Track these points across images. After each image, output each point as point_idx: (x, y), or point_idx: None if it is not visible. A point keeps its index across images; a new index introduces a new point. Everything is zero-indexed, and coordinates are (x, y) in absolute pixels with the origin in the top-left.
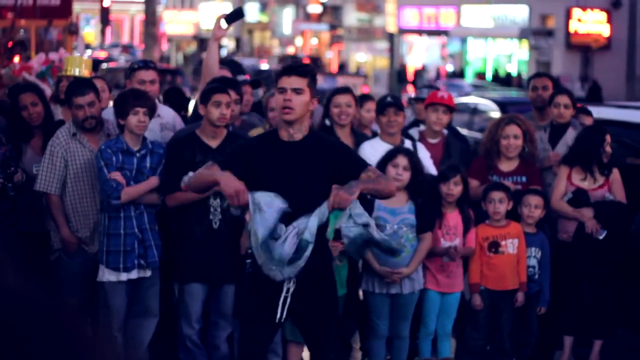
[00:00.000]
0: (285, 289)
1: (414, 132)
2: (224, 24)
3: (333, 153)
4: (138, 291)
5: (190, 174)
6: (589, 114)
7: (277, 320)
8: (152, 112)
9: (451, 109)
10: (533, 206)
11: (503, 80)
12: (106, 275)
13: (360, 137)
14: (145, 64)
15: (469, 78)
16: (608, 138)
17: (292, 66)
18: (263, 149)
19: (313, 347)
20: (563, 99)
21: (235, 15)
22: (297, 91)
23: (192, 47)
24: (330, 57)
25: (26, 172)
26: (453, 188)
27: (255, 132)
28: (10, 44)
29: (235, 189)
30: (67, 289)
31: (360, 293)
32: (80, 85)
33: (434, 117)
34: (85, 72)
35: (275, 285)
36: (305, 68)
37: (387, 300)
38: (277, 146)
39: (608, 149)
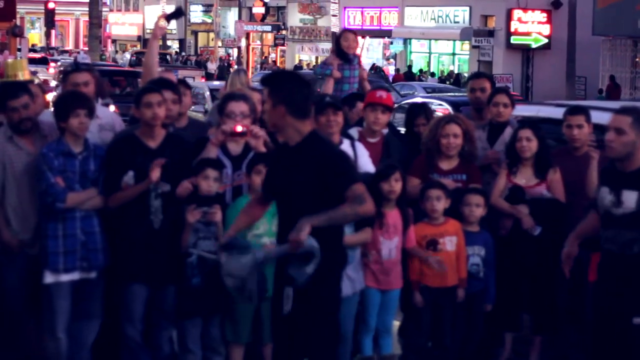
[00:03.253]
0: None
1: (353, 131)
2: (164, 22)
3: (321, 163)
4: (82, 293)
5: (130, 173)
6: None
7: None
8: (91, 113)
9: (390, 108)
10: (474, 205)
11: (447, 80)
12: (48, 277)
13: None
14: (77, 67)
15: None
16: (522, 133)
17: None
18: (275, 154)
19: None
20: (502, 98)
21: (176, 14)
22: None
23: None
24: (273, 58)
25: None
26: (394, 185)
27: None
28: None
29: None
30: (9, 291)
31: None
32: (14, 88)
33: (372, 116)
34: (27, 75)
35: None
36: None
37: None
38: (281, 151)
39: (524, 143)
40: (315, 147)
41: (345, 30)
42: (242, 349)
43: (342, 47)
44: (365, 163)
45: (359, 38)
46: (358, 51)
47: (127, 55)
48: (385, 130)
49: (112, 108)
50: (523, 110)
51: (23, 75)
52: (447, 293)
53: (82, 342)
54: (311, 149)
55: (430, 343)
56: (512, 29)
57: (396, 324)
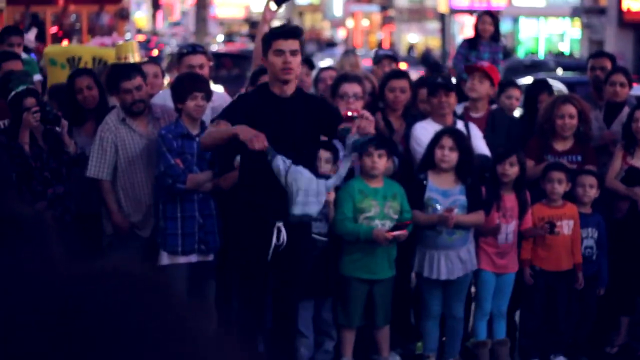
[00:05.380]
0: (275, 230)
1: (459, 107)
2: (273, 6)
3: (316, 109)
4: (198, 277)
5: None
6: None
7: (267, 260)
8: (209, 97)
9: (489, 77)
10: (587, 186)
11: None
12: (164, 258)
13: (411, 118)
14: (193, 49)
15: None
16: (639, 114)
17: (288, 29)
18: (258, 103)
19: (279, 298)
20: (619, 78)
21: None
22: (294, 53)
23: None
24: (382, 38)
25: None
26: (508, 169)
27: None
28: (57, 30)
29: (254, 133)
30: None
31: (413, 275)
32: (127, 69)
33: (469, 84)
34: (137, 58)
35: (264, 226)
36: (298, 30)
37: (440, 281)
38: (271, 100)
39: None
40: (305, 96)
41: (483, 13)
42: (354, 332)
43: (479, 30)
44: (480, 145)
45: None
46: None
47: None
48: (495, 106)
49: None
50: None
51: (134, 57)
52: (561, 277)
53: None
54: (304, 98)
55: (545, 328)
56: (624, 7)
57: None
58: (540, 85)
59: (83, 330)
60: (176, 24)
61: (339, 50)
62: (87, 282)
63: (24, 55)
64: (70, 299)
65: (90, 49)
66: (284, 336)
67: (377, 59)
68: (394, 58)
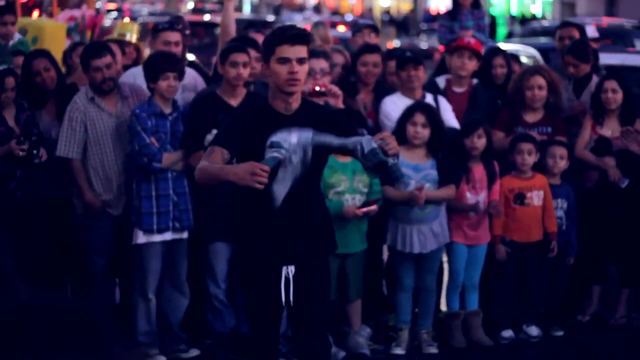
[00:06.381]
0: (284, 272)
1: (441, 80)
2: None
3: (326, 123)
4: (173, 255)
5: (214, 131)
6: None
7: (282, 304)
8: (181, 76)
9: (478, 54)
10: (558, 157)
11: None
12: (140, 237)
13: (380, 92)
14: (170, 25)
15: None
16: (608, 84)
17: (296, 33)
18: (258, 124)
19: (301, 336)
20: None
21: None
22: (302, 61)
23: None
24: (353, 3)
25: (46, 138)
26: (476, 141)
27: None
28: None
29: (249, 171)
30: (93, 253)
31: (385, 248)
32: (97, 47)
33: (458, 62)
34: (133, 39)
35: (273, 268)
36: (307, 35)
37: (413, 254)
38: (273, 119)
39: (609, 95)
40: (313, 109)
41: None
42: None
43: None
44: (449, 118)
45: None
46: None
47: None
48: (476, 80)
49: (193, 58)
50: (609, 59)
51: (130, 37)
52: (532, 248)
53: (174, 318)
54: (311, 111)
55: (517, 298)
56: None
57: None
58: (494, 50)
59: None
60: None
61: (298, 16)
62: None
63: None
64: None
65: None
66: None
67: (357, 29)
68: (375, 28)
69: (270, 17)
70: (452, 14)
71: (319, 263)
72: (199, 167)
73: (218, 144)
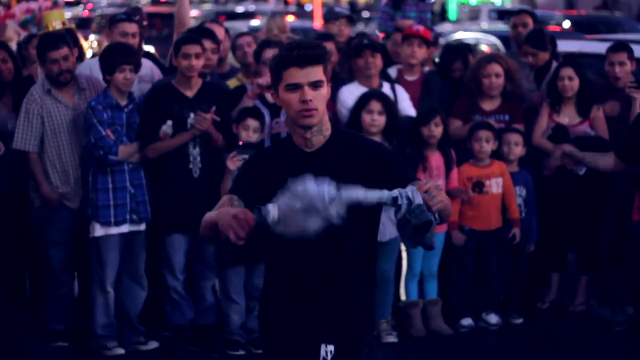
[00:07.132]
0: (322, 353)
1: (392, 70)
2: None
3: (362, 162)
4: (130, 247)
5: (169, 122)
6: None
7: None
8: (137, 68)
9: (427, 41)
10: (513, 144)
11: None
12: (97, 230)
13: (337, 81)
14: (128, 17)
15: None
16: (564, 72)
17: (305, 53)
18: (277, 161)
19: None
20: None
21: None
22: (317, 85)
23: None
24: None
25: (2, 131)
26: (434, 129)
27: (231, 84)
28: None
29: (228, 219)
30: (50, 246)
31: None
32: (54, 39)
33: (408, 50)
34: (60, 26)
35: (309, 349)
36: (322, 53)
37: None
38: (294, 157)
39: (565, 82)
40: (349, 141)
41: None
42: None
43: None
44: (407, 107)
45: None
46: None
47: None
48: (427, 68)
49: (151, 49)
50: (566, 46)
51: (58, 25)
52: (491, 235)
53: (132, 311)
54: (346, 145)
55: (476, 286)
56: None
57: None
58: (454, 52)
59: None
60: None
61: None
62: None
63: None
64: None
65: None
66: None
67: (332, 17)
68: (351, 19)
69: (240, 9)
70: (396, 3)
71: (358, 347)
72: (204, 218)
73: (230, 191)
